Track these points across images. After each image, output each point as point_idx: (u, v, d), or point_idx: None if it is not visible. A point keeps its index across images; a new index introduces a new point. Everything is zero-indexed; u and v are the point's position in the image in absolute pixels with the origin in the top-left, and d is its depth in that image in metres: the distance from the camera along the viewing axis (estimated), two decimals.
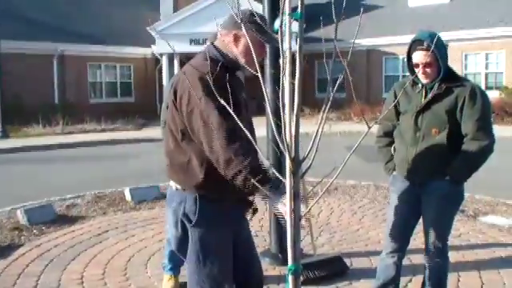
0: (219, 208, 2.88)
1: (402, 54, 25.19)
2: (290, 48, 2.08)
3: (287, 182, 2.12)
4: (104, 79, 27.35)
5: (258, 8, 5.83)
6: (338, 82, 2.23)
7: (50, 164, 13.60)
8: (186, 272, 3.05)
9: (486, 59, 24.21)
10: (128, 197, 8.00)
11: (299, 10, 2.13)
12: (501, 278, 4.80)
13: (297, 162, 2.11)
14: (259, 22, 2.81)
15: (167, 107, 4.41)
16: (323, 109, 2.17)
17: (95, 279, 4.88)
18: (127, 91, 28.16)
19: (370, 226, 6.49)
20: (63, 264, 5.27)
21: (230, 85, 2.55)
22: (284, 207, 2.52)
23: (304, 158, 2.14)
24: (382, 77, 26.71)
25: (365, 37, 24.25)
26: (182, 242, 2.96)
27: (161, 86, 27.94)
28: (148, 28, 26.23)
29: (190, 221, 2.88)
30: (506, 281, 4.73)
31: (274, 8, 4.92)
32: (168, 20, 26.88)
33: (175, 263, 4.59)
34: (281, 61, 2.10)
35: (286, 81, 2.09)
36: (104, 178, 10.42)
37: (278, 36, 2.08)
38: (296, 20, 2.14)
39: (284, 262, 5.02)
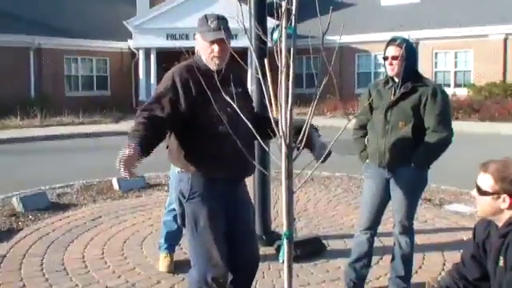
0: (209, 184, 3.39)
1: (374, 51, 25.91)
2: (287, 57, 2.58)
3: (282, 163, 2.63)
4: (80, 72, 27.51)
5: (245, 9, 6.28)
6: (323, 82, 2.74)
7: (32, 156, 13.87)
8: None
9: (455, 58, 25.03)
10: (116, 186, 8.42)
11: (293, 24, 2.64)
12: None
13: (290, 148, 2.61)
14: (204, 23, 3.45)
15: None
16: (312, 104, 2.68)
17: (96, 258, 5.33)
18: (103, 85, 28.34)
19: (344, 213, 7.03)
20: (63, 246, 5.70)
21: (196, 81, 3.27)
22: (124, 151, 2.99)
23: (296, 145, 2.65)
24: (354, 73, 27.37)
25: (338, 34, 24.78)
26: (182, 217, 3.46)
27: (137, 79, 28.23)
28: (125, 22, 26.49)
29: (184, 197, 3.40)
30: None
31: (261, 11, 5.42)
32: (145, 15, 27.18)
33: (170, 243, 5.08)
34: (279, 64, 2.59)
35: (282, 82, 2.58)
36: (87, 169, 10.77)
37: (277, 46, 2.58)
38: (290, 33, 2.65)
39: (268, 243, 5.53)
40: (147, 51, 27.26)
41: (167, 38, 25.92)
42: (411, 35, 22.85)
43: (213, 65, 3.42)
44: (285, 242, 2.66)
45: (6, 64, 22.94)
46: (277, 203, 6.70)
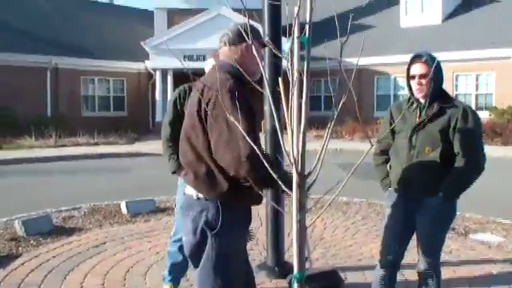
0: (238, 215, 3.07)
1: (393, 73, 25.53)
2: (299, 70, 2.23)
3: (294, 194, 2.26)
4: (97, 93, 27.41)
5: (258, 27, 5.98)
6: (341, 101, 2.38)
7: (44, 176, 13.65)
8: (197, 278, 3.15)
9: (477, 80, 24.53)
10: (124, 210, 8.08)
11: (307, 34, 2.28)
12: None
13: (303, 176, 2.25)
14: (259, 32, 3.17)
15: (170, 123, 4.55)
16: (328, 126, 2.32)
17: None
18: (120, 105, 28.20)
19: (363, 242, 6.60)
20: (62, 274, 5.34)
21: (247, 96, 2.86)
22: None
23: (310, 173, 2.28)
24: (373, 96, 26.96)
25: (356, 56, 24.42)
26: (197, 248, 3.08)
27: (154, 100, 28.10)
28: (142, 43, 26.44)
29: (212, 228, 3.00)
30: None
31: (276, 30, 5.10)
32: (162, 36, 27.09)
33: (175, 274, 4.70)
34: (290, 80, 2.24)
35: (294, 100, 2.23)
36: (98, 191, 10.51)
37: (288, 58, 2.23)
38: (303, 44, 2.30)
39: (280, 275, 5.13)
40: (164, 72, 27.12)
41: (184, 59, 25.74)
42: None
43: (258, 73, 3.09)
44: (295, 286, 2.30)
45: (23, 84, 22.86)
46: (291, 230, 6.31)
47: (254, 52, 2.61)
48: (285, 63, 2.61)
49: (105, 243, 6.47)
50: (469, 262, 5.86)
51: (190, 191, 3.12)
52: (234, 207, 3.03)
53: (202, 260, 3.07)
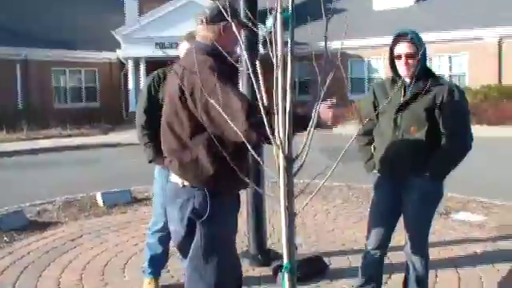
0: (226, 202, 2.99)
1: (367, 56, 25.52)
2: (283, 48, 2.10)
3: (280, 179, 2.13)
4: (68, 84, 26.94)
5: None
6: (326, 83, 2.26)
7: (16, 170, 13.36)
8: (187, 268, 3.06)
9: (450, 62, 24.63)
10: (100, 201, 7.89)
11: (290, 9, 2.15)
12: (477, 272, 4.89)
13: (290, 160, 2.12)
14: (239, 13, 3.04)
15: (145, 110, 4.39)
16: (314, 109, 2.20)
17: (72, 285, 4.79)
18: (92, 96, 27.77)
19: (345, 226, 6.53)
20: (38, 270, 5.15)
21: (227, 74, 2.80)
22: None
23: (297, 156, 2.16)
24: (347, 79, 26.93)
25: (330, 40, 24.31)
26: (185, 237, 3.01)
27: (126, 90, 27.73)
28: (113, 32, 26.01)
29: (200, 216, 2.92)
30: (482, 275, 4.82)
31: (253, 7, 4.95)
32: (133, 24, 26.68)
33: (155, 266, 4.56)
34: (274, 61, 2.11)
35: (278, 81, 2.10)
36: (72, 184, 10.25)
37: (271, 36, 2.10)
38: (286, 20, 2.16)
39: (264, 263, 5.03)
40: (136, 61, 26.77)
41: (156, 47, 25.37)
42: None
43: (235, 57, 3.05)
44: (285, 276, 2.18)
45: None
46: (272, 215, 6.18)
47: (234, 30, 2.46)
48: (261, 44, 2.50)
49: (81, 236, 6.28)
50: (452, 242, 5.84)
51: (176, 179, 3.02)
52: (221, 193, 2.95)
53: (191, 249, 3.00)
